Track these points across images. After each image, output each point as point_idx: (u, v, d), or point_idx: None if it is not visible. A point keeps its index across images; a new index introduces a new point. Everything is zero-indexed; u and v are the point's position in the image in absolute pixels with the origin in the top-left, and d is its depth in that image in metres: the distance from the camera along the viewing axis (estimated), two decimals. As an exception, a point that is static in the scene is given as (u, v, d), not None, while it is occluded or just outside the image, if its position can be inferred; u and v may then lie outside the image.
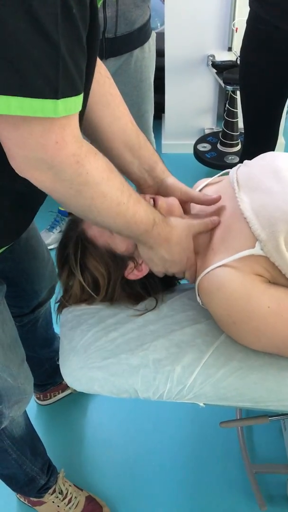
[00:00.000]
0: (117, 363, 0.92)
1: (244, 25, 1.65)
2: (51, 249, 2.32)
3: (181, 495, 1.44)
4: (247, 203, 0.93)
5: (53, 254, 2.27)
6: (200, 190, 1.11)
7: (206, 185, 1.12)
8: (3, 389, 1.02)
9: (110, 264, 0.96)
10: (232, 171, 1.05)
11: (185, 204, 1.04)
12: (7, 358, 1.02)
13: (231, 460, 1.51)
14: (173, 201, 0.98)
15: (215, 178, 1.12)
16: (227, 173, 1.09)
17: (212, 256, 0.94)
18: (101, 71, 0.99)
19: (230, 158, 2.57)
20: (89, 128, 0.99)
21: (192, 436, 1.58)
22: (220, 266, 0.89)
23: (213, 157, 2.60)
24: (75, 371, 0.94)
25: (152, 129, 2.13)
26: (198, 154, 2.65)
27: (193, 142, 2.76)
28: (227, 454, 1.52)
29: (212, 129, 2.91)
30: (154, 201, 0.96)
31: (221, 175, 1.14)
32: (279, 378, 0.89)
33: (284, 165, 0.98)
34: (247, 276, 0.87)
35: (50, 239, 2.33)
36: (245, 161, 1.07)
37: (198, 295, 0.96)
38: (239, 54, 2.46)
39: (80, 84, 0.64)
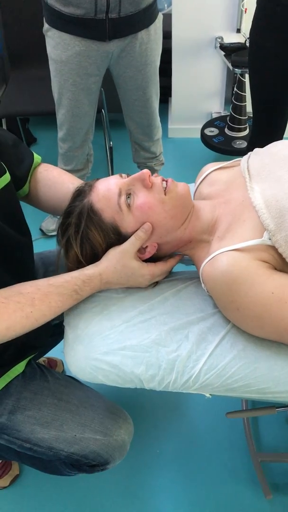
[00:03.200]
0: (122, 353, 0.91)
1: (254, 6, 1.61)
2: (55, 235, 2.31)
3: (186, 484, 1.44)
4: (257, 192, 0.92)
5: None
6: (209, 174, 1.09)
7: (217, 169, 1.09)
8: (101, 449, 1.03)
9: (112, 239, 0.95)
10: (243, 160, 1.04)
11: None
12: (82, 418, 1.04)
13: (236, 448, 1.50)
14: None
15: (227, 163, 1.10)
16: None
17: (218, 243, 0.93)
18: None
19: (237, 143, 2.53)
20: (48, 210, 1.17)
21: (197, 424, 1.58)
22: (224, 251, 0.88)
23: (220, 141, 2.56)
24: (80, 360, 0.92)
25: (158, 114, 2.10)
26: (205, 139, 2.60)
27: (200, 126, 2.71)
28: (232, 443, 1.52)
29: (220, 113, 2.86)
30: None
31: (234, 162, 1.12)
32: (287, 369, 0.87)
33: None
34: (252, 262, 0.86)
35: (55, 225, 2.31)
36: (256, 149, 1.05)
37: (203, 282, 0.94)
38: (248, 36, 2.41)
39: None
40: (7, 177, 0.99)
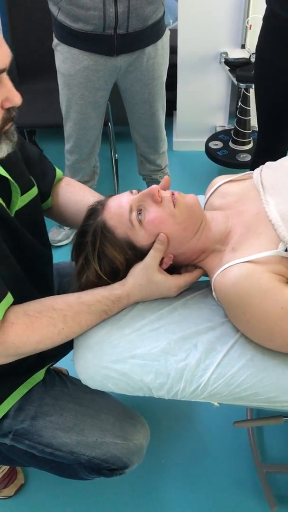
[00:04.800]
0: (131, 361, 0.92)
1: (258, 22, 1.64)
2: (62, 246, 2.33)
3: (191, 494, 1.44)
4: (272, 205, 0.95)
5: (64, 250, 2.29)
6: (219, 186, 1.12)
7: (227, 181, 1.11)
8: (121, 453, 1.06)
9: (129, 253, 0.97)
10: (256, 173, 1.06)
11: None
12: (102, 422, 1.06)
13: (241, 459, 1.50)
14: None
15: (238, 176, 1.12)
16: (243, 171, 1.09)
17: (231, 254, 0.95)
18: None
19: (242, 156, 2.56)
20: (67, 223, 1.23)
21: (202, 434, 1.58)
22: (238, 263, 0.89)
23: (224, 155, 2.58)
24: (89, 368, 0.94)
25: (163, 127, 2.13)
26: (209, 152, 2.64)
27: (205, 139, 2.74)
28: (237, 453, 1.52)
29: (224, 126, 2.89)
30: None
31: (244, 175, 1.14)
32: (295, 378, 0.88)
33: None
34: (265, 274, 0.87)
35: (61, 235, 2.33)
36: (268, 163, 1.07)
37: (214, 291, 0.95)
38: (252, 52, 2.45)
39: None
40: (35, 190, 1.03)
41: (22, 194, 0.99)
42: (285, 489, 1.43)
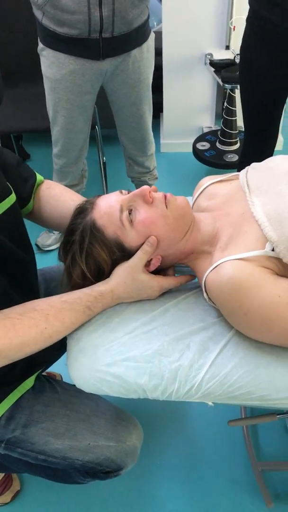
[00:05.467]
0: (125, 363, 0.92)
1: (242, 24, 1.65)
2: (51, 250, 2.32)
3: (186, 493, 1.44)
4: (258, 206, 0.96)
5: (54, 255, 2.29)
6: (207, 187, 1.12)
7: (214, 182, 1.12)
8: (115, 455, 1.06)
9: (117, 255, 0.97)
10: (241, 174, 1.07)
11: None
12: (94, 426, 1.06)
13: (237, 457, 1.51)
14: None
15: (225, 176, 1.13)
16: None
17: (221, 253, 0.96)
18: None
19: (229, 156, 2.58)
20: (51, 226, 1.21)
21: (197, 434, 1.59)
22: (229, 260, 0.90)
23: (212, 155, 2.60)
24: (83, 372, 0.94)
25: (151, 129, 2.13)
26: (197, 153, 2.65)
27: (192, 141, 2.76)
28: (232, 452, 1.53)
29: (211, 127, 2.91)
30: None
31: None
32: (287, 376, 0.89)
33: None
34: (256, 268, 0.89)
35: (51, 239, 2.33)
36: (253, 164, 1.09)
37: (206, 291, 0.96)
38: (237, 53, 2.47)
39: None
40: (13, 198, 1.02)
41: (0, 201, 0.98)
42: (281, 486, 1.44)
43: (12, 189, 1.03)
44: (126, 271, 0.97)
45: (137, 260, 0.96)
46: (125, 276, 0.97)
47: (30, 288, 1.12)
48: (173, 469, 1.50)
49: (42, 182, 1.19)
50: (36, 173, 1.18)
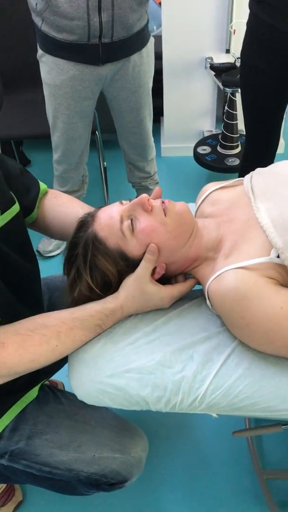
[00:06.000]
0: (127, 375, 0.91)
1: (242, 27, 1.65)
2: (52, 256, 2.31)
3: (190, 502, 1.43)
4: (263, 211, 0.94)
5: (55, 261, 2.28)
6: (210, 193, 1.11)
7: (218, 188, 1.11)
8: (120, 467, 1.04)
9: (121, 264, 0.96)
10: (246, 179, 1.05)
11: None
12: (99, 437, 1.05)
13: (241, 466, 1.49)
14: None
15: (228, 182, 1.12)
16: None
17: (224, 260, 0.94)
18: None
19: (230, 160, 2.56)
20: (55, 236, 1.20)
21: (201, 443, 1.57)
22: (232, 269, 0.89)
23: (213, 159, 2.59)
24: (85, 384, 0.92)
25: (151, 134, 2.12)
26: (198, 157, 2.64)
27: (193, 145, 2.74)
28: (237, 461, 1.51)
29: (211, 131, 2.90)
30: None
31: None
32: (293, 386, 0.88)
33: None
34: (260, 278, 0.87)
35: (52, 245, 2.32)
36: (258, 169, 1.07)
37: (208, 299, 0.95)
38: (237, 56, 2.46)
39: None
40: (16, 207, 1.01)
41: (2, 212, 0.97)
42: (286, 494, 1.42)
43: (15, 199, 1.02)
44: (134, 284, 0.96)
45: (143, 270, 0.95)
46: (134, 289, 0.96)
47: (35, 299, 1.11)
48: (177, 478, 1.49)
49: (47, 191, 1.18)
50: (40, 182, 1.17)
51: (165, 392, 0.90)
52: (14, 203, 1.01)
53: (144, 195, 0.96)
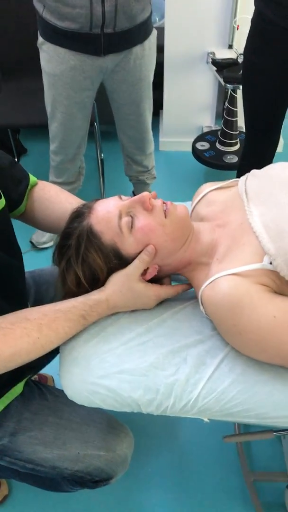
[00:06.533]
0: (119, 376, 0.89)
1: (246, 23, 1.62)
2: (46, 248, 2.29)
3: (179, 503, 1.42)
4: (256, 216, 0.92)
5: (49, 252, 2.25)
6: (206, 194, 1.09)
7: (214, 189, 1.09)
8: (105, 465, 1.04)
9: (113, 261, 0.93)
10: (240, 182, 1.03)
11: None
12: (84, 435, 1.04)
13: (229, 467, 1.49)
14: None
15: (225, 183, 1.10)
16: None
17: (217, 266, 0.93)
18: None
19: (229, 157, 2.54)
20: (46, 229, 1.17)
21: (189, 443, 1.56)
22: (225, 275, 0.87)
23: (211, 156, 2.56)
24: (76, 384, 0.91)
25: (150, 128, 2.10)
26: (196, 153, 2.61)
27: (191, 140, 2.72)
28: (225, 462, 1.50)
29: (211, 127, 2.87)
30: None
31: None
32: (286, 393, 0.86)
33: None
34: (253, 286, 0.86)
35: (46, 237, 2.29)
36: (253, 171, 1.05)
37: (202, 304, 0.93)
38: (240, 52, 2.44)
39: None
40: (2, 202, 0.98)
41: None
42: (272, 496, 1.42)
43: (1, 193, 0.99)
44: (122, 280, 0.93)
45: (134, 268, 0.93)
46: (121, 284, 0.93)
47: (18, 295, 1.09)
48: (164, 478, 1.48)
49: (36, 183, 1.15)
50: (30, 174, 1.14)
51: (157, 395, 0.88)
52: (0, 197, 0.98)
53: (145, 193, 0.94)
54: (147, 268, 0.95)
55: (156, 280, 1.00)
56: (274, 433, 1.05)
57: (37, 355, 0.88)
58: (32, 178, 1.14)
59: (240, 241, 0.92)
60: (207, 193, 1.10)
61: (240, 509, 1.40)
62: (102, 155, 2.53)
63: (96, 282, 0.95)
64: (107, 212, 0.93)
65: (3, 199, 0.99)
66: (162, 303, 1.02)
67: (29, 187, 1.12)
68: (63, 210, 1.04)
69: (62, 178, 2.11)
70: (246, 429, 1.54)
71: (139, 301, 0.97)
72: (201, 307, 0.94)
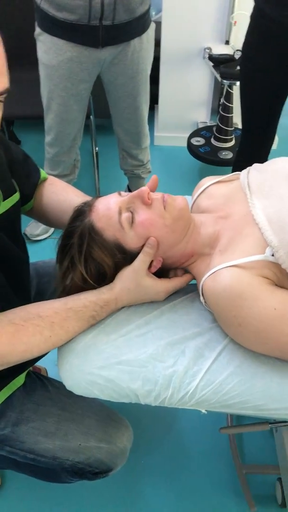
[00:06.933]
0: (118, 367, 0.90)
1: (243, 19, 1.63)
2: (40, 240, 2.28)
3: (170, 495, 1.43)
4: (259, 208, 0.93)
5: (43, 245, 2.25)
6: (206, 188, 1.10)
7: (214, 183, 1.09)
8: (105, 457, 1.04)
9: (118, 257, 0.94)
10: (243, 175, 1.04)
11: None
12: (85, 427, 1.04)
13: (221, 460, 1.50)
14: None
15: (225, 177, 1.10)
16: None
17: (219, 257, 0.93)
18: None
19: (223, 153, 2.55)
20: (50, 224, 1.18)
21: (182, 436, 1.58)
22: (226, 267, 0.88)
23: (207, 151, 2.57)
24: (75, 374, 0.91)
25: (146, 122, 2.10)
26: (191, 148, 2.62)
27: (186, 135, 2.72)
28: (217, 455, 1.52)
29: (206, 122, 2.88)
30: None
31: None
32: (283, 386, 0.87)
33: None
34: (254, 278, 0.87)
35: (39, 229, 2.29)
36: (255, 165, 1.06)
37: (202, 295, 0.94)
38: (237, 48, 2.44)
39: None
40: (16, 196, 0.99)
41: (4, 199, 0.95)
42: (264, 489, 1.44)
43: (17, 187, 1.00)
44: (130, 276, 0.94)
45: (140, 263, 0.94)
46: (129, 281, 0.94)
47: (24, 287, 1.09)
48: (159, 469, 1.49)
49: (46, 178, 1.16)
50: (41, 169, 1.14)
51: (155, 386, 0.89)
52: (15, 191, 0.99)
53: (143, 188, 0.94)
54: (152, 261, 0.96)
55: (163, 273, 1.01)
56: (270, 425, 1.06)
57: (46, 351, 0.91)
58: (43, 173, 1.15)
59: (242, 233, 0.93)
60: (208, 186, 1.10)
61: (232, 501, 1.42)
62: (97, 148, 2.52)
63: (102, 277, 0.95)
64: (107, 209, 0.94)
65: (18, 193, 1.00)
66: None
67: (39, 182, 1.12)
68: (69, 203, 1.05)
69: (57, 170, 2.10)
70: (238, 422, 1.56)
71: (147, 297, 0.98)
72: (202, 298, 0.95)
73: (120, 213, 0.93)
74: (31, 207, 1.13)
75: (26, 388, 1.08)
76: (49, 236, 2.31)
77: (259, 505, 1.39)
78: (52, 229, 2.32)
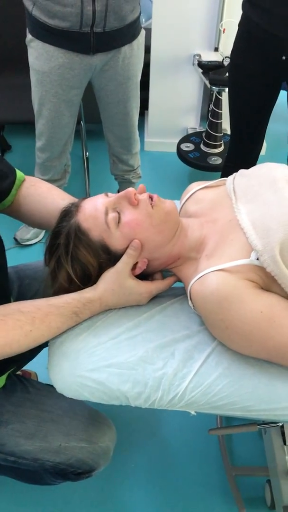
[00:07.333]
0: (108, 370, 0.91)
1: (231, 26, 1.66)
2: (31, 245, 2.28)
3: (159, 497, 1.44)
4: (244, 213, 0.95)
5: (33, 249, 2.25)
6: (194, 193, 1.12)
7: (202, 188, 1.11)
8: (87, 456, 1.04)
9: (102, 257, 0.95)
10: (228, 180, 1.06)
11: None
12: (66, 427, 1.04)
13: (211, 462, 1.51)
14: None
15: (212, 182, 1.12)
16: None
17: (206, 261, 0.95)
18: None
19: (213, 159, 2.57)
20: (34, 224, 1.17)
21: (172, 438, 1.58)
22: (213, 271, 0.89)
23: (196, 157, 2.59)
24: (65, 377, 0.92)
25: (137, 127, 2.12)
26: (181, 154, 2.64)
27: (176, 141, 2.75)
28: (207, 457, 1.53)
29: (195, 128, 2.90)
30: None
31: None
32: (271, 387, 0.89)
33: (281, 176, 0.99)
34: (241, 281, 0.88)
35: (30, 234, 2.29)
36: (241, 171, 1.08)
37: (190, 299, 0.95)
38: (226, 55, 2.47)
39: None
40: None
41: None
42: (253, 491, 1.45)
43: None
44: (113, 277, 0.95)
45: (123, 265, 0.95)
46: (113, 282, 0.95)
47: (1, 290, 1.09)
48: (146, 472, 1.50)
49: (24, 179, 1.15)
50: (17, 171, 1.14)
51: (145, 388, 0.90)
52: None
53: (130, 189, 0.96)
54: (137, 263, 0.97)
55: (146, 276, 1.02)
56: (258, 426, 1.08)
57: (27, 348, 0.89)
58: (19, 174, 1.14)
59: (228, 237, 0.95)
60: (195, 191, 1.12)
61: (221, 503, 1.42)
62: (88, 153, 2.54)
63: (88, 278, 0.96)
64: (94, 210, 0.95)
65: None
66: (152, 298, 1.04)
67: (17, 181, 1.12)
68: (55, 206, 1.05)
69: (47, 175, 2.11)
70: (228, 423, 1.57)
71: (131, 298, 0.99)
72: (190, 302, 0.96)
73: (106, 213, 0.94)
74: (6, 207, 1.12)
75: (6, 390, 1.08)
76: (40, 240, 2.31)
77: (248, 507, 1.40)
78: (43, 234, 2.33)
